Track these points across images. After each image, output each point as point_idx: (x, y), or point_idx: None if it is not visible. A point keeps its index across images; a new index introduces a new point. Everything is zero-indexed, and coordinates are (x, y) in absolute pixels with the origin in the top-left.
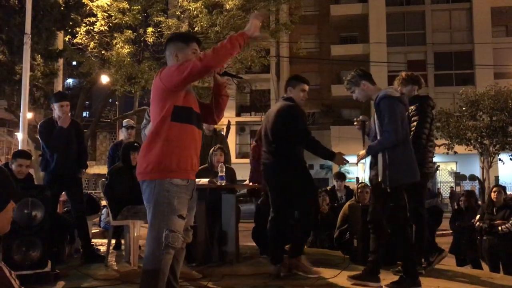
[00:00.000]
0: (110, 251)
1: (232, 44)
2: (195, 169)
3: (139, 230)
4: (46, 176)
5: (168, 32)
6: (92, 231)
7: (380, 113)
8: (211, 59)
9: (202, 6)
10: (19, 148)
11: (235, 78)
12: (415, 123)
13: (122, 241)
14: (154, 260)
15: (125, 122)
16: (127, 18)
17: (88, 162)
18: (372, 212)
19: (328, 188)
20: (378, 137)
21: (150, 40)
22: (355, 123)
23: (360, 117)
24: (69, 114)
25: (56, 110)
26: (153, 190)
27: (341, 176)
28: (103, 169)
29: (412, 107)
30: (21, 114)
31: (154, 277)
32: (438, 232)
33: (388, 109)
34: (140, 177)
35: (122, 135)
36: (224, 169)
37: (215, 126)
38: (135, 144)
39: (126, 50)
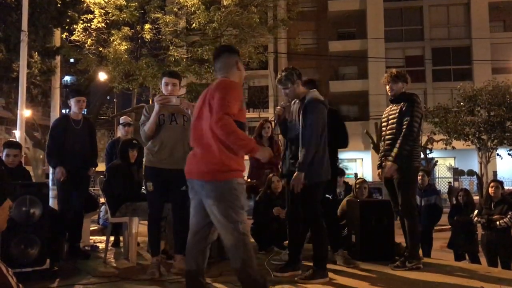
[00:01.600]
0: (109, 248)
1: (245, 144)
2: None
3: (138, 227)
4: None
5: (166, 28)
6: (91, 228)
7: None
8: (223, 132)
9: (200, 3)
10: None
11: None
12: (407, 119)
13: (121, 238)
14: (240, 252)
15: (122, 119)
16: (124, 15)
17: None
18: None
19: None
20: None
21: (148, 37)
22: (278, 108)
23: (282, 103)
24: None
25: (72, 105)
26: (223, 189)
27: (340, 172)
28: (101, 166)
29: (399, 104)
30: (18, 112)
31: (249, 266)
32: (436, 228)
33: (314, 116)
34: (204, 177)
35: (119, 132)
36: None
37: None
38: (133, 141)
39: (123, 47)
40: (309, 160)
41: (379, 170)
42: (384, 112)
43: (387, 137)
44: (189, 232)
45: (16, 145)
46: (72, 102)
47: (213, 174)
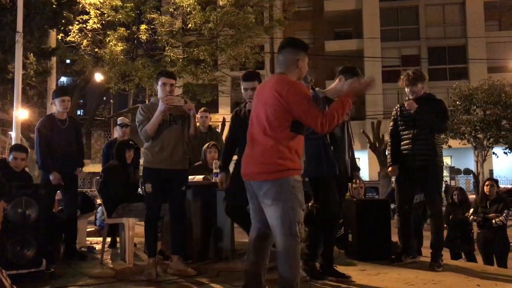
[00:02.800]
0: (106, 249)
1: (343, 107)
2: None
3: (134, 228)
4: (43, 174)
5: (162, 29)
6: (88, 230)
7: None
8: (329, 127)
9: (195, 3)
10: None
11: None
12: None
13: (118, 239)
14: (292, 253)
15: (119, 120)
16: (120, 16)
17: (83, 161)
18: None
19: None
20: None
21: (144, 37)
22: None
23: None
24: (67, 110)
25: (57, 105)
26: (280, 188)
27: None
28: (98, 168)
29: (427, 105)
30: (13, 113)
31: (294, 268)
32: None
33: None
34: (260, 178)
35: (116, 133)
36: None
37: (210, 122)
38: (130, 142)
39: (119, 47)
40: None
41: (394, 167)
42: (395, 111)
43: (410, 135)
44: (251, 235)
45: (23, 149)
46: (56, 102)
47: (269, 173)
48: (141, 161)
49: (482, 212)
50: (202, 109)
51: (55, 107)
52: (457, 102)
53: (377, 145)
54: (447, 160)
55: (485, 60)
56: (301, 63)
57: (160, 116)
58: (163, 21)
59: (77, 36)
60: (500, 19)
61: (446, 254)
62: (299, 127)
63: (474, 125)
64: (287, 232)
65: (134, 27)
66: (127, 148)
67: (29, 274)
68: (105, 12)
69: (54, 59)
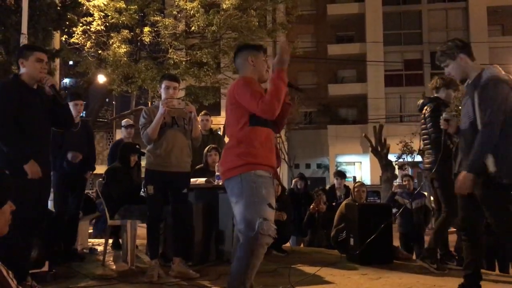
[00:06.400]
0: (108, 251)
1: (276, 86)
2: (274, 165)
3: (136, 230)
4: (54, 176)
5: (165, 31)
6: (89, 231)
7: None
8: (270, 109)
9: (199, 6)
10: None
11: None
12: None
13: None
14: (247, 250)
15: (124, 122)
16: (124, 18)
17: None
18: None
19: (327, 187)
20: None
21: (147, 39)
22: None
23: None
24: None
25: (71, 108)
26: (241, 184)
27: (341, 175)
28: (100, 169)
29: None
30: None
31: (244, 266)
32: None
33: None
34: (226, 176)
35: (122, 134)
36: None
37: (212, 125)
38: (136, 146)
39: (122, 49)
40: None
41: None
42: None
43: None
44: (234, 237)
45: None
46: (70, 105)
47: (230, 171)
48: (143, 163)
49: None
50: (203, 112)
51: None
52: (459, 107)
53: (379, 149)
54: None
55: (487, 65)
56: (253, 60)
57: (161, 119)
58: (166, 23)
59: (80, 38)
60: (503, 24)
61: None
62: (257, 119)
63: None
64: (247, 228)
65: (137, 29)
66: (132, 152)
67: (32, 275)
68: (109, 14)
69: (57, 60)
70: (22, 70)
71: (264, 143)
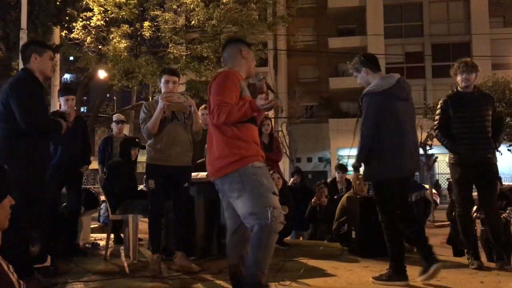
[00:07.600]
0: (110, 245)
1: (244, 113)
2: (263, 155)
3: (138, 224)
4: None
5: (165, 26)
6: (91, 226)
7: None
8: (223, 116)
9: (199, 0)
10: None
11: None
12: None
13: (122, 235)
14: (262, 238)
15: (115, 117)
16: (124, 13)
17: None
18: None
19: (328, 180)
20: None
21: (147, 34)
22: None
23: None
24: (74, 109)
25: (62, 103)
26: (241, 178)
27: (342, 168)
28: (93, 164)
29: (482, 100)
30: None
31: (261, 254)
32: (436, 224)
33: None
34: (221, 174)
35: (113, 129)
36: None
37: None
38: (136, 140)
39: (123, 44)
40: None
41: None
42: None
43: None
44: (228, 232)
45: None
46: (61, 100)
47: (226, 167)
48: (144, 158)
49: None
50: (203, 106)
51: (60, 105)
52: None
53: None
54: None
55: (489, 57)
56: (246, 53)
57: (161, 113)
58: (166, 18)
59: (80, 33)
60: (505, 16)
61: (449, 251)
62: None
63: None
64: (260, 217)
65: (137, 24)
66: (133, 146)
67: (36, 270)
68: (109, 9)
69: (57, 56)
70: (33, 65)
71: (254, 137)
